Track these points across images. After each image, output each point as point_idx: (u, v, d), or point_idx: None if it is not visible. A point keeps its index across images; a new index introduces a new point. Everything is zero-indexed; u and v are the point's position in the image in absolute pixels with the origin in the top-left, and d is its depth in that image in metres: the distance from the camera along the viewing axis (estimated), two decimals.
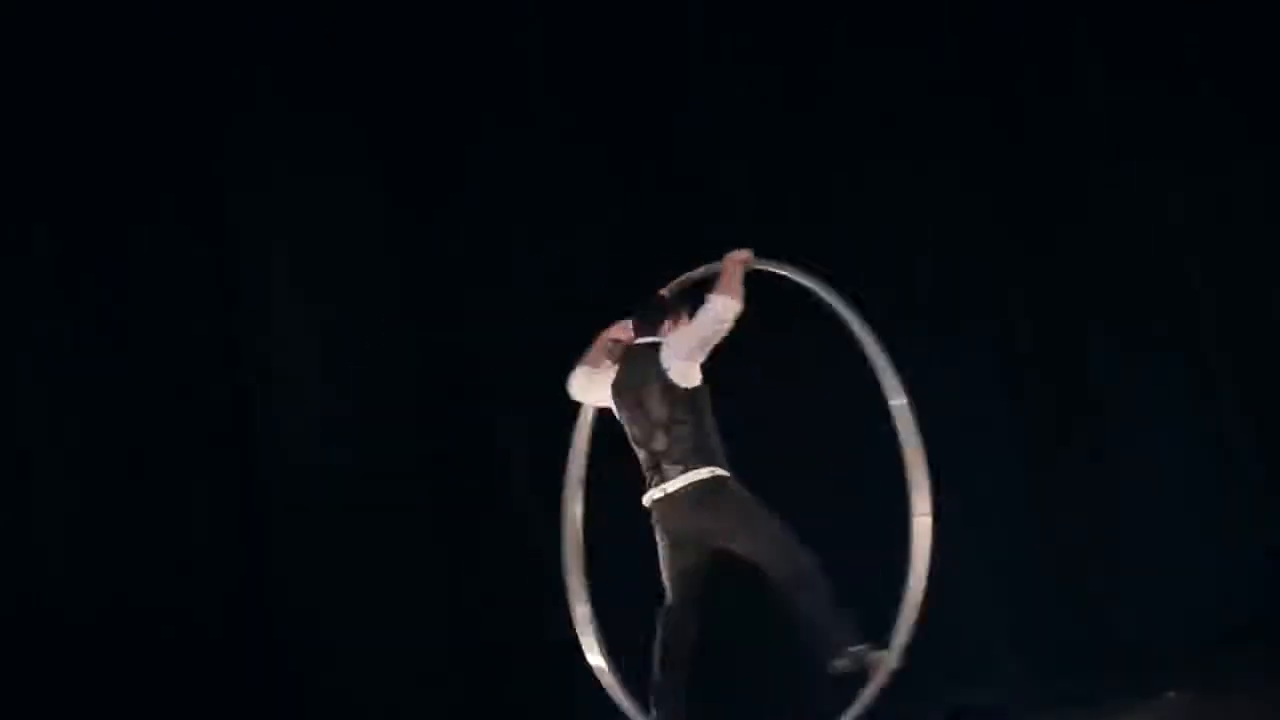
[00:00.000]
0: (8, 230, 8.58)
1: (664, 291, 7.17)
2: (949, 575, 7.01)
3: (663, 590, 6.86)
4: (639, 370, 6.90)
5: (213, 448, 8.72)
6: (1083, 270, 9.23)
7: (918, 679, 6.78)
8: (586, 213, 9.05)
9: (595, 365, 7.17)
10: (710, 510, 6.74)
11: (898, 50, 9.19)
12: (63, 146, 8.63)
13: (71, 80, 8.61)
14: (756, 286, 6.92)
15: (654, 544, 6.89)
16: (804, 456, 8.48)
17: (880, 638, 6.66)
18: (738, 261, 6.90)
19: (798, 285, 7.01)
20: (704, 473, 6.73)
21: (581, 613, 7.22)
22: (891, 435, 6.92)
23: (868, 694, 6.66)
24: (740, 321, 6.80)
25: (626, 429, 6.93)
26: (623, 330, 7.18)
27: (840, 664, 6.60)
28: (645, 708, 6.85)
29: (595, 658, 7.12)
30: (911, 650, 6.71)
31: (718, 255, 7.07)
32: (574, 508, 7.35)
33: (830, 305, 6.97)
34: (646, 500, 6.83)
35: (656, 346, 6.90)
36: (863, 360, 6.97)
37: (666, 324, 6.97)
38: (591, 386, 7.12)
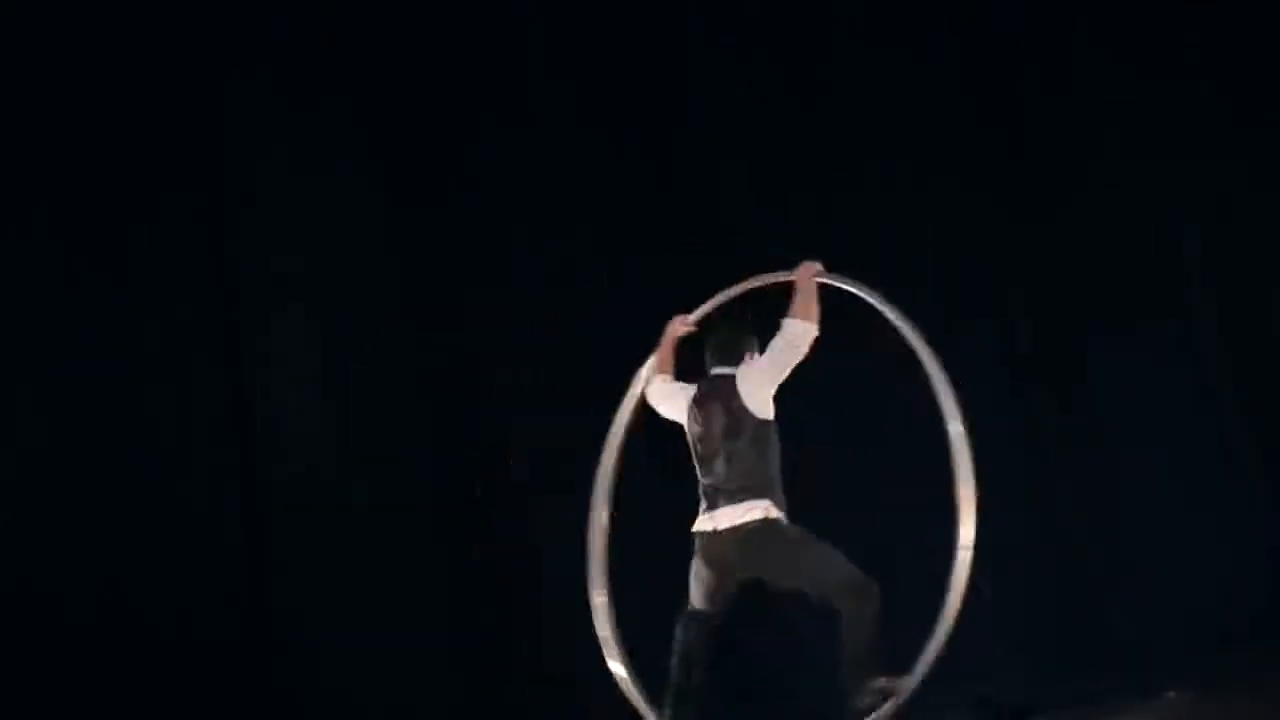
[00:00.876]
0: (6, 229, 8.57)
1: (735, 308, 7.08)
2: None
3: (683, 597, 6.85)
4: (718, 394, 6.78)
5: (213, 448, 8.71)
6: (1082, 270, 9.23)
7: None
8: (586, 213, 9.05)
9: (667, 370, 7.12)
10: (756, 554, 6.64)
11: (898, 50, 9.20)
12: (62, 146, 8.62)
13: (71, 80, 8.61)
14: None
15: (672, 553, 6.89)
16: (850, 473, 8.48)
17: (899, 661, 6.65)
18: (811, 277, 6.76)
19: (858, 300, 6.93)
20: (756, 513, 6.62)
21: (602, 617, 7.15)
22: (932, 456, 6.88)
23: (883, 713, 6.64)
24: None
25: (691, 447, 6.85)
26: (683, 325, 7.13)
27: (867, 700, 6.58)
28: (660, 710, 6.82)
29: (616, 665, 7.08)
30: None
31: (718, 255, 7.08)
32: (600, 514, 7.27)
33: (895, 325, 6.89)
34: (696, 528, 6.75)
35: (733, 377, 6.77)
36: (911, 380, 6.94)
37: (746, 355, 6.84)
38: (670, 399, 7.01)
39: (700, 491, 6.75)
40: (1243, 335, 9.15)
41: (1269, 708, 7.21)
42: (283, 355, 8.82)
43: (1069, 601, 8.91)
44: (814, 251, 7.07)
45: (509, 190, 9.03)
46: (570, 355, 8.89)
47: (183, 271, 8.77)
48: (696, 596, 6.80)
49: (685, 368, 7.14)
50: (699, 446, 6.80)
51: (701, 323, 7.14)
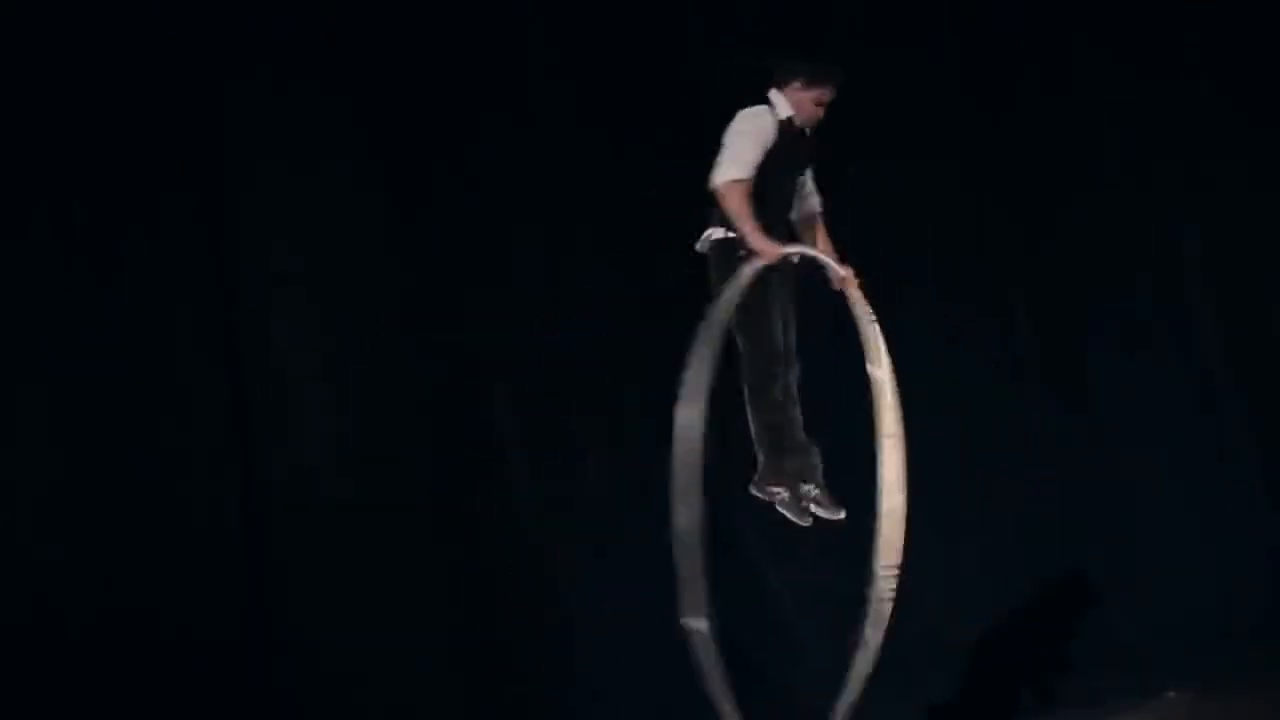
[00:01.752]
0: (6, 229, 8.57)
1: None
2: (949, 576, 7.02)
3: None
4: None
5: (212, 448, 8.71)
6: (1082, 271, 9.23)
7: (917, 679, 6.79)
8: (586, 213, 9.04)
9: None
10: None
11: (898, 50, 9.19)
12: (61, 145, 8.62)
13: (70, 79, 8.60)
14: None
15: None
16: None
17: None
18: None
19: None
20: None
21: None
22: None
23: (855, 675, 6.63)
24: None
25: None
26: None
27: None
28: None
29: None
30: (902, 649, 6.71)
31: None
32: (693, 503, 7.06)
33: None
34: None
35: None
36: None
37: None
38: None
39: None
40: (1243, 335, 9.15)
41: (1269, 708, 7.22)
42: (282, 355, 8.82)
43: (1069, 601, 8.90)
44: None
45: (509, 190, 9.02)
46: (570, 355, 8.89)
47: (182, 271, 8.76)
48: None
49: None
50: None
51: None
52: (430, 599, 8.74)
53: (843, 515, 6.75)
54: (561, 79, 9.18)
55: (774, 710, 8.02)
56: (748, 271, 6.68)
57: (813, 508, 6.76)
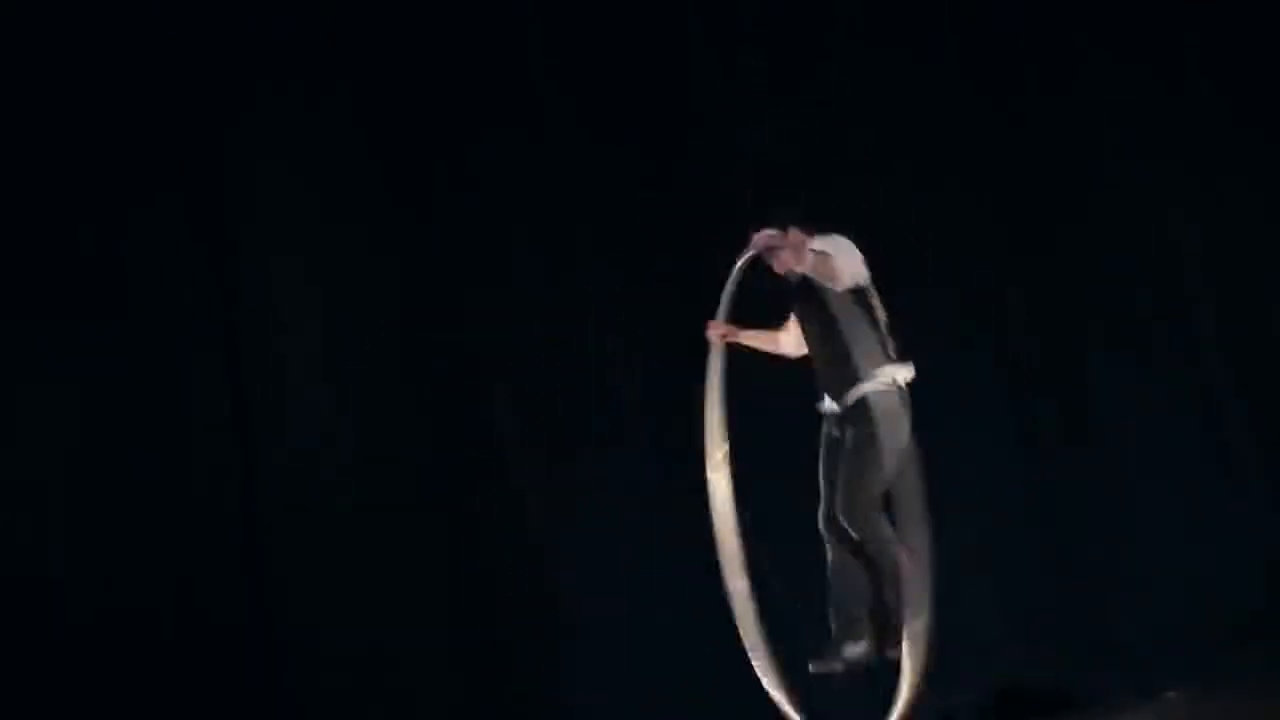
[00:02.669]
0: (5, 229, 8.57)
1: None
2: (947, 576, 7.00)
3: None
4: None
5: (212, 448, 8.72)
6: (1082, 271, 9.23)
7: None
8: (586, 213, 9.04)
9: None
10: None
11: (898, 50, 9.19)
12: (62, 145, 8.63)
13: (70, 79, 8.60)
14: None
15: None
16: None
17: None
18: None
19: None
20: None
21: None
22: None
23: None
24: None
25: None
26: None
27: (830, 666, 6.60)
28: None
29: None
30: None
31: (718, 254, 7.06)
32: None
33: None
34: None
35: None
36: None
37: None
38: None
39: None
40: (1243, 336, 9.14)
41: (1269, 708, 7.21)
42: (282, 355, 8.82)
43: (1069, 601, 8.90)
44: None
45: (509, 190, 9.02)
46: (570, 355, 8.89)
47: (182, 271, 8.77)
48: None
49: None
50: None
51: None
52: (430, 599, 8.74)
53: None
54: (561, 79, 9.18)
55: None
56: None
57: None
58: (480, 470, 8.89)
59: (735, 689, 7.20)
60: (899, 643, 6.65)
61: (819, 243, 6.79)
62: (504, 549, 8.85)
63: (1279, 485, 9.02)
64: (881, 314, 6.86)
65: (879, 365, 6.75)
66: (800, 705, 6.93)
